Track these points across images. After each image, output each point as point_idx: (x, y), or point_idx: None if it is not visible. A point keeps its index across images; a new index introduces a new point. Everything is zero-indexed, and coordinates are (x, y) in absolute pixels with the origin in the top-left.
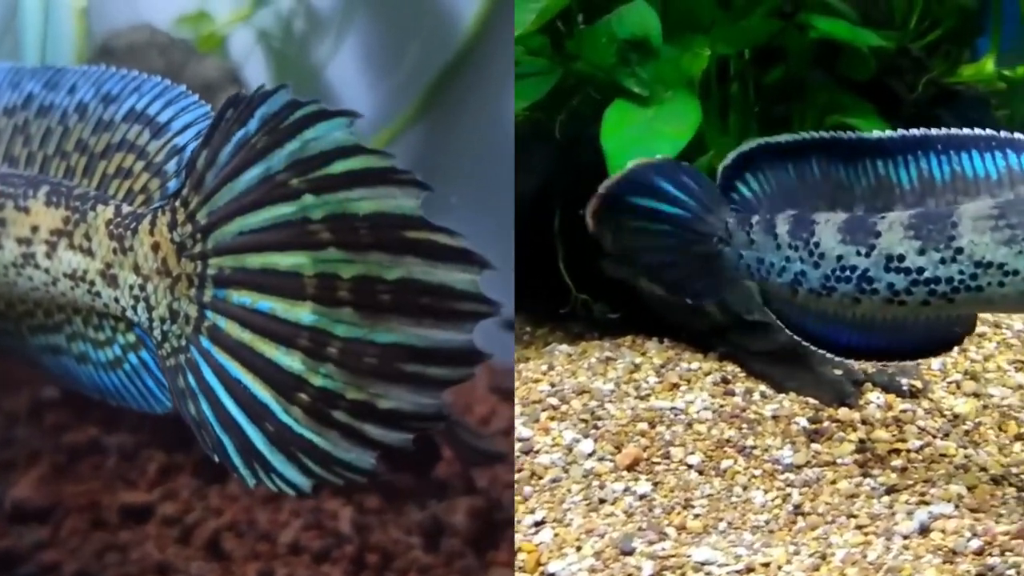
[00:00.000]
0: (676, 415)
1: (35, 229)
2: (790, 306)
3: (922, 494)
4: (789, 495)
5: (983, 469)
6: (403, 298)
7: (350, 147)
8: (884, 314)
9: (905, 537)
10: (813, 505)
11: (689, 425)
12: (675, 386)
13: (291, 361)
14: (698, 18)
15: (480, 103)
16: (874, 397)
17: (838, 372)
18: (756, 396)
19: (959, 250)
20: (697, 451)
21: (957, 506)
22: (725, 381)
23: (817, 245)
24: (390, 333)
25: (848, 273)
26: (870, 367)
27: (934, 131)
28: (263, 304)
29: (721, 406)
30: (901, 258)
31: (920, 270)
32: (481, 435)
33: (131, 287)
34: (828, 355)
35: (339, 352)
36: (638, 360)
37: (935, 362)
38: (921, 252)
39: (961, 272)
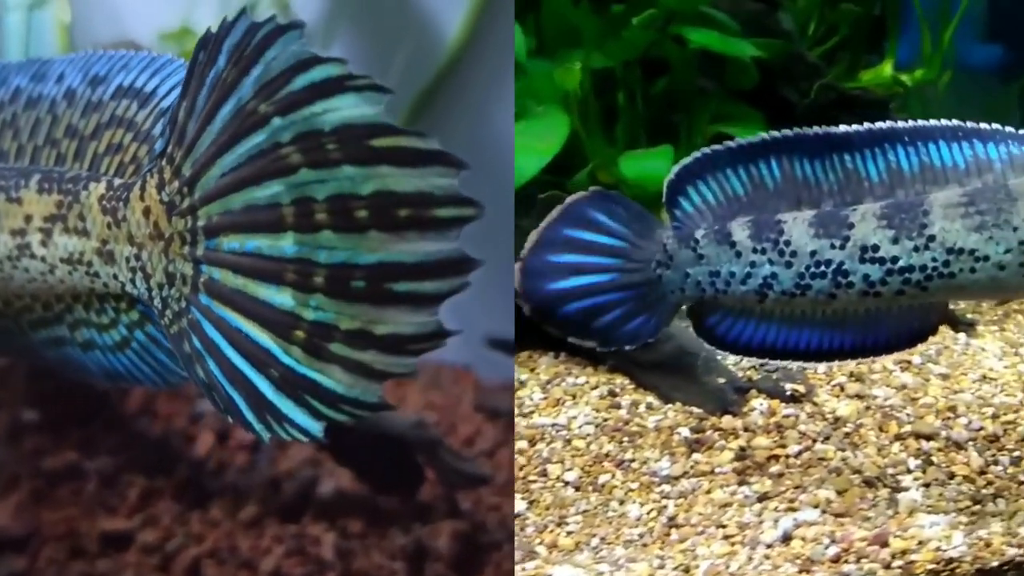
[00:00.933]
0: (557, 431)
1: (28, 219)
2: (738, 322)
3: (791, 501)
4: (665, 507)
5: (858, 471)
6: (381, 212)
7: (306, 59)
8: (859, 307)
9: (768, 546)
10: (687, 516)
11: (569, 441)
12: (559, 402)
13: (282, 298)
14: (576, 32)
15: (476, 109)
16: (758, 404)
17: (722, 380)
18: (642, 408)
19: (931, 238)
20: (575, 467)
21: (824, 511)
22: (612, 394)
23: (788, 243)
24: (373, 252)
25: (823, 268)
26: (755, 373)
27: (900, 123)
28: (250, 244)
29: (605, 420)
30: (875, 248)
31: (894, 259)
32: (464, 457)
33: (127, 259)
34: (793, 363)
35: (325, 280)
36: (524, 377)
37: (821, 364)
38: (895, 241)
39: (934, 259)
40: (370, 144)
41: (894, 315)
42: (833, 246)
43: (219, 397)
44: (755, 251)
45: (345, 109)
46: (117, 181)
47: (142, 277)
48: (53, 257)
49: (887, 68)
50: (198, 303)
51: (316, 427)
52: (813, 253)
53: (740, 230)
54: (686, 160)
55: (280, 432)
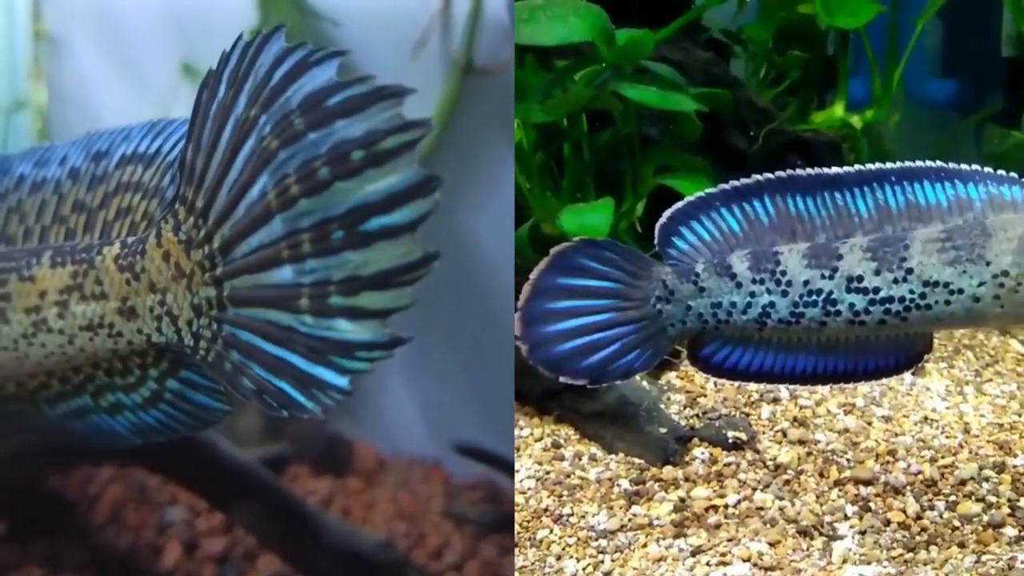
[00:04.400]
0: None
1: (43, 294)
2: (735, 350)
3: (724, 555)
4: (601, 562)
5: (794, 521)
6: (338, 163)
7: (280, 53)
8: (847, 336)
9: None
10: (622, 572)
11: None
12: None
13: (284, 274)
14: (523, 88)
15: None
16: (699, 452)
17: (663, 430)
18: (585, 459)
19: (909, 270)
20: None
21: (754, 565)
22: (556, 445)
23: (784, 273)
24: (342, 202)
25: (815, 297)
26: (697, 422)
27: (889, 164)
28: (253, 241)
29: (547, 473)
30: (860, 279)
31: (876, 290)
32: (429, 573)
33: (151, 308)
34: (787, 385)
35: (310, 243)
36: None
37: (764, 410)
38: (877, 272)
39: (911, 291)
40: (325, 105)
41: (882, 342)
42: (823, 276)
43: (271, 396)
44: (755, 282)
45: (307, 84)
46: (130, 239)
47: (169, 321)
48: (71, 327)
49: (838, 109)
50: (227, 317)
51: (343, 381)
52: (806, 283)
53: (740, 262)
54: (678, 204)
55: (325, 400)
